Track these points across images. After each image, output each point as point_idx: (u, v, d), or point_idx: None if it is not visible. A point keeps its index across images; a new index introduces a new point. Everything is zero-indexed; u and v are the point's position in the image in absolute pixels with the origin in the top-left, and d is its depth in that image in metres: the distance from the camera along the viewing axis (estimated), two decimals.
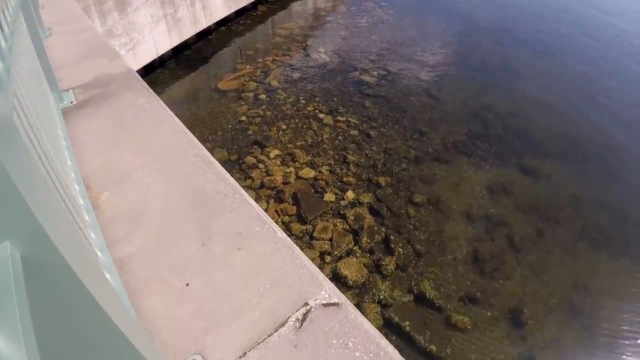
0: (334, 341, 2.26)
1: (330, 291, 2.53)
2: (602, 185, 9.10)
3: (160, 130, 3.47)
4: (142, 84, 3.70)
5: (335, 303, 2.45)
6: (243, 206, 3.04)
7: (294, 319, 2.37)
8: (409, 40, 16.21)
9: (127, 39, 11.68)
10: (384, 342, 2.33)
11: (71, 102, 3.45)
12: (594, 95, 13.19)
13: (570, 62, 16.18)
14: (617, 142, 10.53)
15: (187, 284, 2.56)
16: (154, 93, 3.65)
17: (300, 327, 2.33)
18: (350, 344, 2.26)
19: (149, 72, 12.87)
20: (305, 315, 2.39)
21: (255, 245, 2.79)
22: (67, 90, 3.55)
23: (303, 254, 2.81)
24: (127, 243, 2.75)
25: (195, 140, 3.57)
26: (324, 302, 2.46)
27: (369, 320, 5.90)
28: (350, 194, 8.20)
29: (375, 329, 2.46)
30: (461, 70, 14.07)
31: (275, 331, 2.32)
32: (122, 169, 3.12)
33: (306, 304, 2.45)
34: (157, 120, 3.51)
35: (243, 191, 3.22)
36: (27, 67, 2.16)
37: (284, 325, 2.34)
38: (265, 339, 2.28)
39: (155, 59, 12.98)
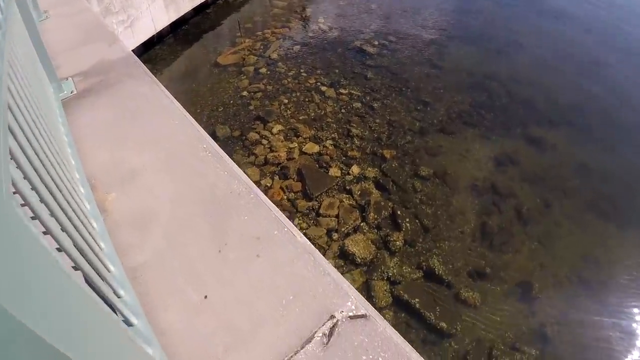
0: (364, 357, 2.16)
1: (356, 301, 2.41)
2: (609, 154, 8.95)
3: (166, 121, 3.28)
4: (144, 70, 3.54)
5: (363, 315, 2.34)
6: (259, 207, 2.88)
7: (320, 334, 2.26)
8: (410, 8, 15.77)
9: (124, 16, 11.41)
10: (414, 356, 2.25)
11: (71, 92, 3.30)
12: (600, 60, 12.90)
13: (575, 26, 15.78)
14: (625, 110, 10.36)
15: (205, 297, 2.44)
16: (156, 80, 3.48)
17: (327, 343, 2.22)
18: (380, 359, 2.17)
19: (147, 48, 12.64)
20: (332, 330, 2.28)
21: (274, 251, 2.66)
22: (67, 79, 3.41)
23: (325, 260, 2.68)
24: (138, 251, 2.62)
25: (203, 132, 3.36)
26: (351, 314, 2.34)
27: (379, 299, 5.98)
28: (355, 169, 8.11)
29: (405, 341, 2.38)
30: (464, 38, 13.66)
31: (302, 348, 2.21)
32: (129, 167, 2.96)
33: (332, 316, 2.34)
34: (162, 110, 3.31)
35: (257, 189, 3.07)
36: (22, 54, 2.04)
37: (310, 342, 2.23)
38: (291, 356, 2.18)
39: (153, 35, 12.73)
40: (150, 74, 3.56)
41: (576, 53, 13.67)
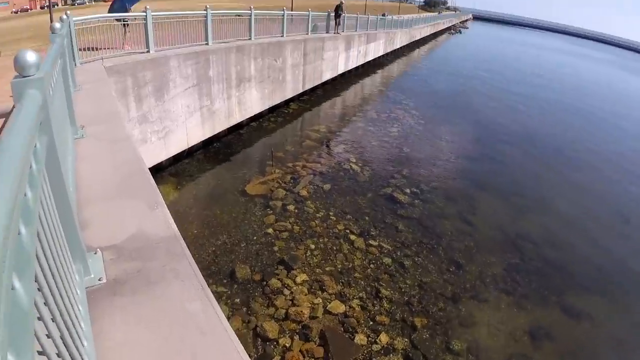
0: None
1: None
2: None
3: None
4: (190, 264, 2.89)
5: None
6: None
7: None
8: (441, 154, 16.00)
9: (160, 126, 11.35)
10: None
11: (99, 280, 2.63)
12: (634, 218, 12.91)
13: (604, 178, 16.00)
14: None
15: None
16: (209, 291, 2.75)
17: None
18: None
19: (176, 161, 12.47)
20: None
21: None
22: (95, 252, 2.81)
23: None
24: None
25: None
26: None
27: None
28: (384, 337, 7.30)
29: None
30: (494, 191, 13.71)
31: None
32: None
33: None
34: (219, 351, 2.29)
35: None
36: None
37: None
38: None
39: (185, 150, 12.62)
40: (200, 274, 2.91)
41: (606, 209, 13.56)
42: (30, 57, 1.82)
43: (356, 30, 26.43)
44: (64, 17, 8.21)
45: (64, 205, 2.20)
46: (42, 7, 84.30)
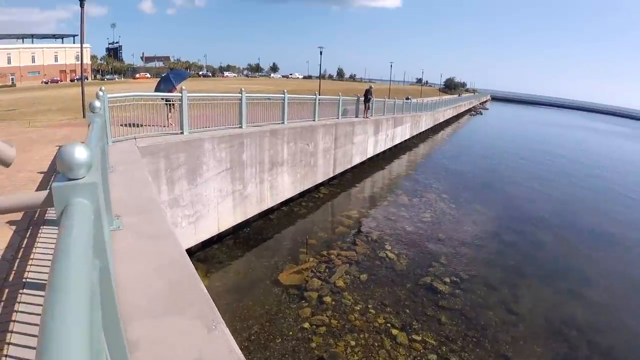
0: None
1: None
2: None
3: None
4: None
5: None
6: None
7: None
8: (476, 239, 15.42)
9: (191, 210, 11.11)
10: None
11: None
12: None
13: None
14: None
15: None
16: None
17: None
18: None
19: (205, 246, 12.10)
20: None
21: None
22: None
23: None
24: None
25: None
26: None
27: None
28: None
29: None
30: (534, 275, 13.07)
31: None
32: None
33: None
34: None
35: None
36: None
37: None
38: None
39: (215, 235, 12.29)
40: None
41: None
42: (80, 154, 1.47)
43: (384, 114, 26.71)
44: (100, 93, 8.19)
45: (117, 341, 1.78)
46: (72, 80, 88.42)
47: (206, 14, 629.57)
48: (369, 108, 23.45)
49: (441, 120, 51.78)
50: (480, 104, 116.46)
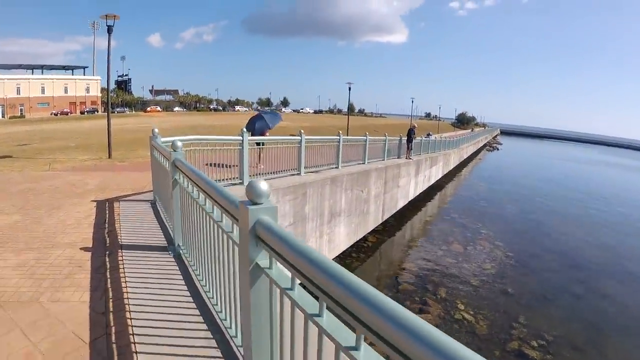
0: None
1: None
2: None
3: None
4: None
5: None
6: None
7: None
8: (547, 292, 14.36)
9: None
10: None
11: None
12: None
13: None
14: None
15: None
16: None
17: None
18: None
19: None
20: None
21: None
22: None
23: None
24: None
25: None
26: None
27: None
28: None
29: None
30: (619, 329, 12.13)
31: None
32: None
33: None
34: None
35: None
36: None
37: None
38: None
39: None
40: None
41: None
42: (264, 186, 1.91)
43: (420, 154, 25.08)
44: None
45: None
46: (82, 112, 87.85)
47: (214, 48, 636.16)
48: (411, 148, 21.81)
49: (465, 157, 50.15)
50: (492, 138, 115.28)
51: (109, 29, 15.54)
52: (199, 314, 3.34)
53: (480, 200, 30.03)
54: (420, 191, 25.37)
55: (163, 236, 5.40)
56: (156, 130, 7.01)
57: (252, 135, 13.43)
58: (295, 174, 11.32)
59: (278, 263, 1.84)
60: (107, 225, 6.10)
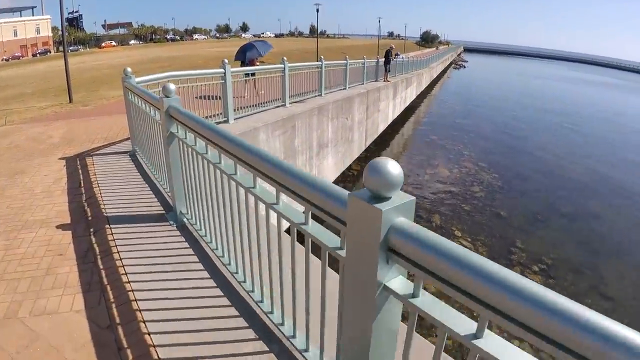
0: None
1: None
2: None
3: None
4: None
5: None
6: None
7: None
8: (538, 214, 14.13)
9: None
10: None
11: None
12: None
13: None
14: None
15: None
16: None
17: None
18: None
19: None
20: None
21: None
22: None
23: None
24: None
25: None
26: None
27: None
28: None
29: None
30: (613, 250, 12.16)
31: None
32: None
33: None
34: None
35: None
36: None
37: None
38: None
39: None
40: None
41: None
42: (395, 169, 1.24)
43: (395, 75, 24.21)
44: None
45: None
46: (34, 55, 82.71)
47: None
48: (389, 70, 20.90)
49: (434, 76, 49.42)
50: (457, 56, 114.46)
51: None
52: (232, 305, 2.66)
53: (456, 120, 29.72)
54: (398, 114, 24.78)
55: (157, 200, 4.49)
56: (129, 69, 6.04)
57: (242, 64, 12.84)
58: (280, 106, 10.51)
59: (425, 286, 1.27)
60: (83, 191, 5.07)
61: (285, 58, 10.62)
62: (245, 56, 13.27)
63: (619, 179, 18.66)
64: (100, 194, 4.82)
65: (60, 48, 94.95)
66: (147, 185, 5.01)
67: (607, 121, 34.38)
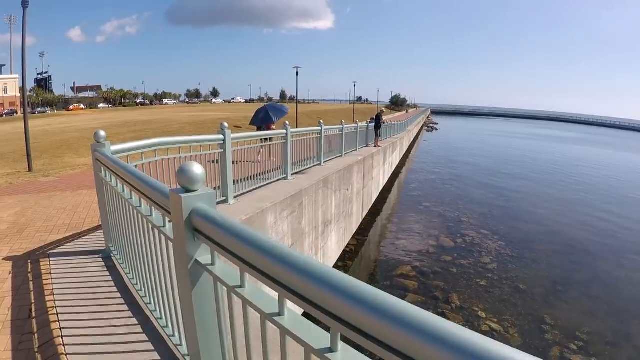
0: None
1: None
2: None
3: None
4: None
5: None
6: None
7: None
8: (553, 281, 13.26)
9: None
10: None
11: None
12: None
13: None
14: None
15: None
16: None
17: None
18: None
19: None
20: None
21: None
22: None
23: None
24: None
25: None
26: None
27: None
28: None
29: None
30: None
31: None
32: None
33: None
34: None
35: None
36: None
37: None
38: None
39: None
40: None
41: None
42: (198, 170, 1.70)
43: (383, 140, 23.13)
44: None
45: None
46: (0, 115, 79.40)
47: (138, 41, 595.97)
48: (380, 135, 19.78)
49: (412, 139, 49.13)
50: (427, 118, 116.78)
51: (24, 3, 12.32)
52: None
53: (445, 184, 28.58)
54: (387, 180, 23.52)
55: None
56: (102, 132, 4.31)
57: (258, 129, 12.64)
58: (281, 178, 8.94)
59: (222, 257, 1.57)
60: (35, 328, 3.22)
61: (287, 123, 9.15)
62: (259, 120, 13.43)
63: (623, 236, 18.05)
64: (62, 335, 2.98)
65: (28, 109, 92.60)
66: (138, 324, 3.12)
67: (563, 174, 34.91)
